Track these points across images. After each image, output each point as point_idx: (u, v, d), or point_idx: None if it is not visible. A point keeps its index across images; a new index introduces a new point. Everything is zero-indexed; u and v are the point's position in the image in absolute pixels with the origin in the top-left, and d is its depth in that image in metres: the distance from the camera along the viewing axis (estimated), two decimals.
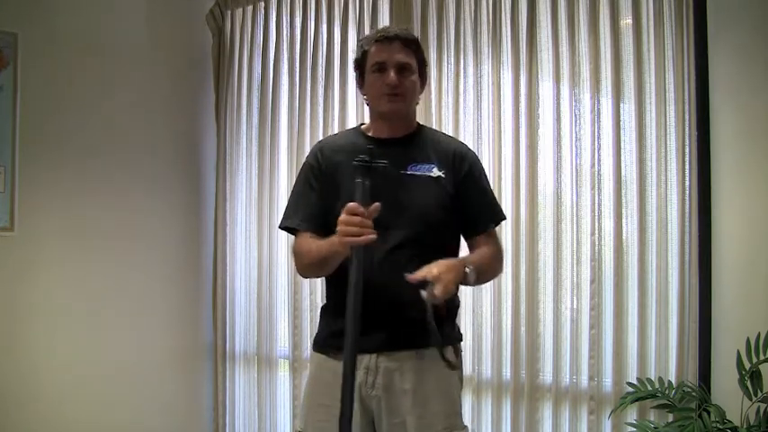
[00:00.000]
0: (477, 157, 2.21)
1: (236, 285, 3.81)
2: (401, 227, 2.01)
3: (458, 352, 2.13)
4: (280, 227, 2.22)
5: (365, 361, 2.00)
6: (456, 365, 2.06)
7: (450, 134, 3.13)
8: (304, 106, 3.57)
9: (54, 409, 3.29)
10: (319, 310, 2.23)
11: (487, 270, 2.12)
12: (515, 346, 2.98)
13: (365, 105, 2.23)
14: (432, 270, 1.86)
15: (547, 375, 2.95)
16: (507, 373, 3.01)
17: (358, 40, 2.69)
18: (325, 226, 2.02)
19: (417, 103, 2.18)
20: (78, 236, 3.40)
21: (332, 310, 2.14)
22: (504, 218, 2.27)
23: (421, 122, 2.23)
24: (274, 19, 3.72)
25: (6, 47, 3.18)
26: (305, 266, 2.12)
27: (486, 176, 2.21)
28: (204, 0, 3.92)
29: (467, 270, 1.95)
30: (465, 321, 3.11)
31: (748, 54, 2.64)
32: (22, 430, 3.20)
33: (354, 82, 2.23)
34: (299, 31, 3.63)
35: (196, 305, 3.91)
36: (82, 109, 3.44)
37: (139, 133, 3.66)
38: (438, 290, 1.84)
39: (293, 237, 2.17)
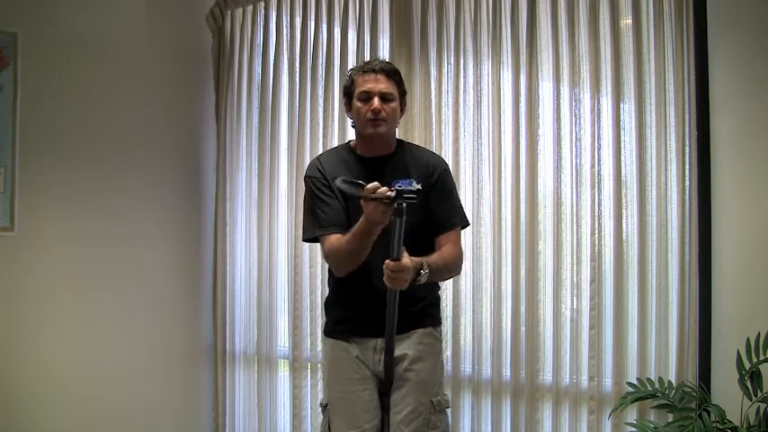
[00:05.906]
0: (447, 168, 2.61)
1: (236, 285, 3.81)
2: None
3: (440, 331, 2.64)
4: (304, 239, 2.64)
5: (372, 343, 2.49)
6: (439, 338, 2.62)
7: (450, 134, 3.15)
8: (304, 106, 3.57)
9: (53, 408, 3.29)
10: (321, 306, 2.67)
11: (444, 268, 2.48)
12: (515, 346, 2.98)
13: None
14: (389, 265, 2.21)
15: (547, 375, 2.95)
16: (507, 373, 3.01)
17: (348, 70, 2.92)
18: (347, 223, 2.44)
19: (397, 126, 2.58)
20: (78, 236, 3.40)
21: (335, 304, 2.61)
22: (467, 224, 2.71)
23: (402, 138, 2.66)
24: (274, 19, 3.72)
25: (6, 47, 3.18)
26: (346, 255, 2.41)
27: (453, 185, 2.62)
28: (204, 0, 3.92)
29: (422, 271, 2.31)
30: (465, 321, 3.12)
31: (748, 54, 2.64)
32: (21, 430, 3.20)
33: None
34: (299, 31, 3.63)
35: (196, 305, 3.91)
36: (82, 109, 3.44)
37: (139, 133, 3.66)
38: (386, 280, 2.22)
39: (321, 245, 2.52)
